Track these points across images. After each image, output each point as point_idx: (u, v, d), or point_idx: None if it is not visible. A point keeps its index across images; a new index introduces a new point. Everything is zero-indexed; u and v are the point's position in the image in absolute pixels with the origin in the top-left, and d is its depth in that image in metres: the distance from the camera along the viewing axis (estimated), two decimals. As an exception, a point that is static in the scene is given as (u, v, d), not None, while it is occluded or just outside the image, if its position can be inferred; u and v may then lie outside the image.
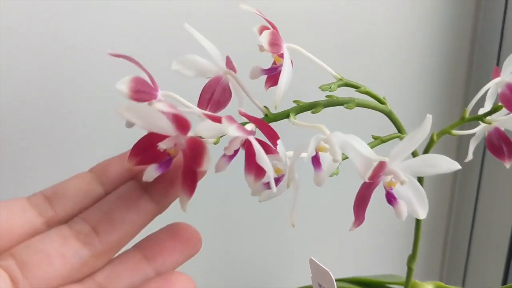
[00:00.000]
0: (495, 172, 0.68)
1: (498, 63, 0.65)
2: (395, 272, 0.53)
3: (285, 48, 0.30)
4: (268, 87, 0.33)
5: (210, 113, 0.25)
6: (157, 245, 0.26)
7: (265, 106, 0.30)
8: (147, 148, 0.25)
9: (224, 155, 0.26)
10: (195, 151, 0.24)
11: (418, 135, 0.25)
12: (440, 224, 0.72)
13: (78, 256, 0.25)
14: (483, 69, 0.67)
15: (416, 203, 0.28)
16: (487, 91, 0.37)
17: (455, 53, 0.67)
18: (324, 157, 0.27)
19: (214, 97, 0.31)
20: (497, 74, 0.37)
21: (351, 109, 0.30)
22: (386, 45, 0.63)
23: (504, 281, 0.68)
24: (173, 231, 0.27)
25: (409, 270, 0.40)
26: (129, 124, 0.27)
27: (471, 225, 0.71)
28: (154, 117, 0.23)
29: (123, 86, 0.25)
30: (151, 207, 0.26)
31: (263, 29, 0.31)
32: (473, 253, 0.72)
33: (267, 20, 0.30)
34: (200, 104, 0.31)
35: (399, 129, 0.33)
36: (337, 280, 0.45)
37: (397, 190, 0.27)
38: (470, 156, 0.40)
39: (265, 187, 0.29)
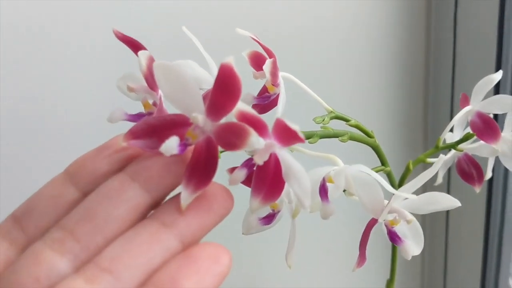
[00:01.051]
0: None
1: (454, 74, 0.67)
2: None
3: (281, 78, 0.29)
4: (254, 106, 0.32)
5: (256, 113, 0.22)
6: (177, 208, 0.21)
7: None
8: (156, 130, 0.21)
9: (243, 166, 0.24)
10: (235, 133, 0.20)
11: (428, 174, 0.25)
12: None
13: (56, 273, 0.20)
14: (439, 87, 0.69)
15: (412, 241, 0.28)
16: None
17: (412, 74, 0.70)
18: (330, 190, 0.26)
19: None
20: (465, 102, 0.39)
21: (344, 142, 0.30)
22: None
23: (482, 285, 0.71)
24: None
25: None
26: (113, 119, 0.24)
27: (445, 235, 0.74)
28: (188, 87, 0.20)
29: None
30: (142, 199, 0.21)
31: (254, 55, 0.30)
32: (450, 260, 0.75)
33: (263, 46, 0.29)
34: None
35: (383, 162, 0.34)
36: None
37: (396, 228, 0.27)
38: (440, 180, 0.42)
39: (260, 223, 0.29)
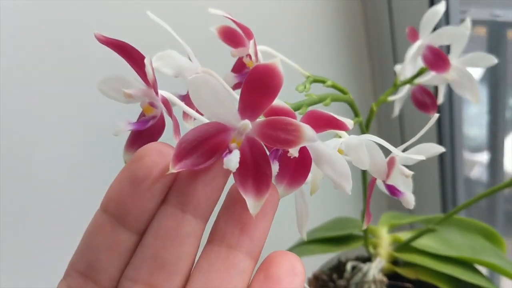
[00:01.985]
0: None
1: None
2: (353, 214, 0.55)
3: (260, 55, 0.29)
4: (236, 88, 0.32)
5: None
6: (235, 225, 0.21)
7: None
8: (197, 145, 0.20)
9: (273, 159, 0.23)
10: (284, 130, 0.20)
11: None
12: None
13: None
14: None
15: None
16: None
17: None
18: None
19: None
20: (414, 35, 0.41)
21: (327, 105, 0.31)
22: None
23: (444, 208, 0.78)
24: (236, 197, 0.21)
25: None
26: (119, 131, 0.23)
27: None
28: (223, 97, 0.19)
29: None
30: (199, 228, 0.21)
31: (225, 30, 0.30)
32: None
33: (238, 24, 0.29)
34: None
35: (357, 114, 0.35)
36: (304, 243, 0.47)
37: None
38: (396, 113, 0.45)
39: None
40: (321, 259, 0.50)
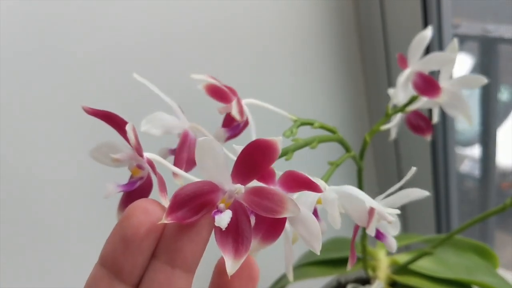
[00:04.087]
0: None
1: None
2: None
3: (246, 108, 0.30)
4: (227, 140, 0.33)
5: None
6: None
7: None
8: (189, 200, 0.22)
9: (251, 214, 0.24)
10: (271, 199, 0.22)
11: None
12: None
13: None
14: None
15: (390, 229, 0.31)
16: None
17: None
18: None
19: (190, 154, 0.30)
20: (403, 61, 0.41)
21: (314, 148, 0.32)
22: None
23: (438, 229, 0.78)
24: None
25: (363, 247, 0.45)
26: (109, 194, 0.25)
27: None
28: (221, 161, 0.21)
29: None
30: (188, 280, 0.23)
31: (211, 87, 0.31)
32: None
33: (224, 86, 0.30)
34: (178, 163, 0.30)
35: (347, 149, 0.36)
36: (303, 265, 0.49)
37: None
38: (393, 136, 0.45)
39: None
40: (320, 281, 0.51)
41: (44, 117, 0.46)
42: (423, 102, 0.42)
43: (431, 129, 0.43)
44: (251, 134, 0.30)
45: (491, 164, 0.79)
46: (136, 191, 0.26)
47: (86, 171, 0.49)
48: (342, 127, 0.73)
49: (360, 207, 0.28)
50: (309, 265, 0.47)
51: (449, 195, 0.76)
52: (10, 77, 0.43)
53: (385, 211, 0.27)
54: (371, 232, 0.28)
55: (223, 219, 0.21)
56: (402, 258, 0.46)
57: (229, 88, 0.30)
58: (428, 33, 0.40)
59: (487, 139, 0.79)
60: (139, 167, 0.26)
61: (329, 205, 0.27)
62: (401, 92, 0.42)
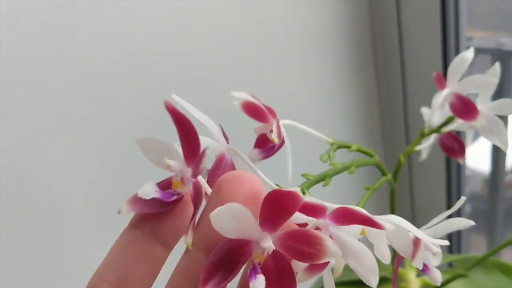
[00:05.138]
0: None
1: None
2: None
3: (284, 131, 0.29)
4: (262, 159, 0.32)
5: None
6: None
7: (276, 184, 0.30)
8: (221, 266, 0.21)
9: None
10: (307, 242, 0.21)
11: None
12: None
13: None
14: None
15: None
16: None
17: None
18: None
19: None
20: (441, 82, 0.40)
21: (352, 173, 0.31)
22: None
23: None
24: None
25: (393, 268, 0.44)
26: (146, 194, 0.23)
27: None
28: (250, 219, 0.20)
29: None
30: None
31: (248, 106, 0.30)
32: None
33: (261, 104, 0.29)
34: (210, 185, 0.29)
35: (384, 173, 0.35)
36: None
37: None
38: (424, 157, 0.44)
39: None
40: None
41: (51, 117, 0.46)
42: (458, 124, 0.41)
43: (465, 152, 0.42)
44: (286, 156, 0.29)
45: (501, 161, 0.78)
46: (160, 202, 0.24)
47: (91, 171, 0.48)
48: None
49: (404, 237, 0.27)
50: (336, 285, 0.46)
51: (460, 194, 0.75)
52: (17, 77, 0.43)
53: (431, 241, 0.26)
54: (417, 264, 0.27)
55: (257, 285, 0.20)
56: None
57: (268, 108, 0.29)
58: (470, 54, 0.39)
59: (496, 159, 0.79)
60: (183, 182, 0.24)
61: (377, 237, 0.26)
62: (437, 112, 0.41)
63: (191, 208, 0.24)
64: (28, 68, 0.43)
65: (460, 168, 0.74)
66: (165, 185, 0.24)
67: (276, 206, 0.20)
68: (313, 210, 0.22)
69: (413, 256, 0.27)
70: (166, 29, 0.51)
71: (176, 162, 0.23)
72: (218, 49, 0.55)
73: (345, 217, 0.23)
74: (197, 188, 0.23)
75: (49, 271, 0.49)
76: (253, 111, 0.30)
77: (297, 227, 0.23)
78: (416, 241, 0.27)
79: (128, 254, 0.23)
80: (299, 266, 0.22)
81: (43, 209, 0.47)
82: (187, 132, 0.23)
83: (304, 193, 0.30)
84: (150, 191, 0.23)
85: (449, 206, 0.75)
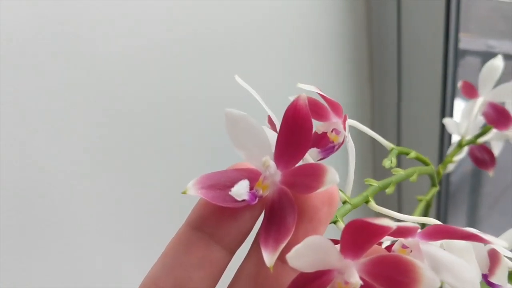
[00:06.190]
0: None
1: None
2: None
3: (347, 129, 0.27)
4: (320, 160, 0.30)
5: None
6: None
7: (340, 190, 0.26)
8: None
9: None
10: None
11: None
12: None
13: None
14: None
15: None
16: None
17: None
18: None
19: None
20: (471, 91, 0.39)
21: (414, 181, 0.29)
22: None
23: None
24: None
25: None
26: (239, 195, 0.20)
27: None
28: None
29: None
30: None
31: (309, 102, 0.27)
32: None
33: (327, 99, 0.26)
34: None
35: (434, 183, 0.34)
36: None
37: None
38: (451, 168, 0.43)
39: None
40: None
41: (52, 116, 0.44)
42: (493, 135, 0.40)
43: (495, 164, 0.41)
44: (350, 160, 0.26)
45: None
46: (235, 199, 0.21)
47: (91, 171, 0.47)
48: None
49: (480, 251, 0.24)
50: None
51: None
52: (26, 76, 0.41)
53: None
54: (497, 280, 0.25)
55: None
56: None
57: (332, 103, 0.26)
58: (500, 62, 0.38)
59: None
60: (272, 184, 0.21)
61: (459, 252, 0.23)
62: (471, 123, 0.39)
63: (258, 212, 0.21)
64: (28, 68, 0.42)
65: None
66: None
67: (361, 235, 0.18)
68: (403, 232, 0.20)
69: (492, 271, 0.25)
70: (173, 28, 0.50)
71: (272, 165, 0.20)
72: (217, 49, 0.54)
73: (438, 234, 0.21)
74: (286, 194, 0.20)
75: (50, 271, 0.46)
76: (313, 108, 0.27)
77: (384, 250, 0.21)
78: (493, 254, 0.25)
79: (187, 258, 0.20)
80: None
81: (44, 209, 0.45)
82: (299, 138, 0.20)
83: (368, 202, 0.27)
84: (243, 192, 0.19)
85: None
